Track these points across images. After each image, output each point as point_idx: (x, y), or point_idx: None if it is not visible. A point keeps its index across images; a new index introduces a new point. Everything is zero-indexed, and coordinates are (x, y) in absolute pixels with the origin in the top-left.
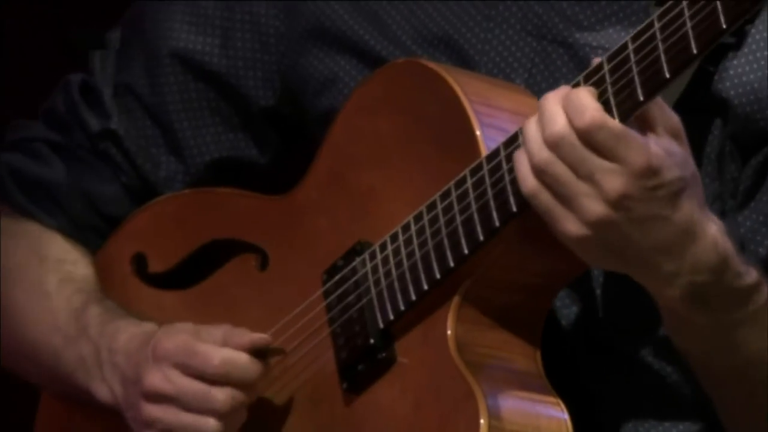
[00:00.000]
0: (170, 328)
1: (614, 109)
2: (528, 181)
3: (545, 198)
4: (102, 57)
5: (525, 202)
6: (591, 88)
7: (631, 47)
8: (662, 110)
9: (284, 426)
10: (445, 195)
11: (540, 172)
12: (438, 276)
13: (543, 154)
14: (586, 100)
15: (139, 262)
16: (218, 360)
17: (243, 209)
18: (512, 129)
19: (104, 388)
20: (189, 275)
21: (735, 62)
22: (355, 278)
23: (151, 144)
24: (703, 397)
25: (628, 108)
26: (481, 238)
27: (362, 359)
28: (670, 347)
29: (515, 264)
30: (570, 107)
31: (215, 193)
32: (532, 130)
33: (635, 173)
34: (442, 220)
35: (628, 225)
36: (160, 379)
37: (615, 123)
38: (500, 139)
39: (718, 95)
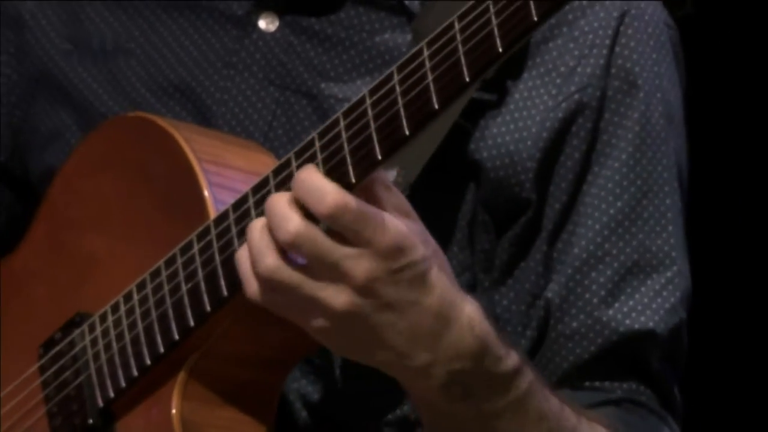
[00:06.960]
0: None
1: (350, 171)
2: (252, 288)
3: (278, 300)
4: None
5: None
6: (312, 166)
7: (369, 101)
8: (389, 190)
9: None
10: (170, 261)
11: (266, 281)
12: (162, 350)
13: (267, 261)
14: (321, 182)
15: None
16: None
17: None
18: (245, 189)
19: None
20: None
21: (492, 122)
22: (73, 352)
23: None
24: None
25: (365, 168)
26: (208, 308)
27: None
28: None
29: (246, 336)
30: (308, 194)
31: None
32: (258, 236)
33: (381, 254)
34: (166, 289)
35: (376, 313)
36: None
37: (358, 203)
38: (231, 200)
39: (472, 157)
